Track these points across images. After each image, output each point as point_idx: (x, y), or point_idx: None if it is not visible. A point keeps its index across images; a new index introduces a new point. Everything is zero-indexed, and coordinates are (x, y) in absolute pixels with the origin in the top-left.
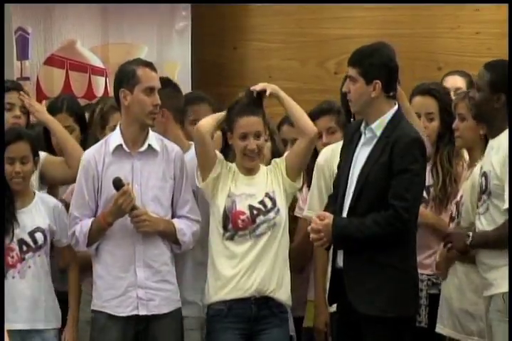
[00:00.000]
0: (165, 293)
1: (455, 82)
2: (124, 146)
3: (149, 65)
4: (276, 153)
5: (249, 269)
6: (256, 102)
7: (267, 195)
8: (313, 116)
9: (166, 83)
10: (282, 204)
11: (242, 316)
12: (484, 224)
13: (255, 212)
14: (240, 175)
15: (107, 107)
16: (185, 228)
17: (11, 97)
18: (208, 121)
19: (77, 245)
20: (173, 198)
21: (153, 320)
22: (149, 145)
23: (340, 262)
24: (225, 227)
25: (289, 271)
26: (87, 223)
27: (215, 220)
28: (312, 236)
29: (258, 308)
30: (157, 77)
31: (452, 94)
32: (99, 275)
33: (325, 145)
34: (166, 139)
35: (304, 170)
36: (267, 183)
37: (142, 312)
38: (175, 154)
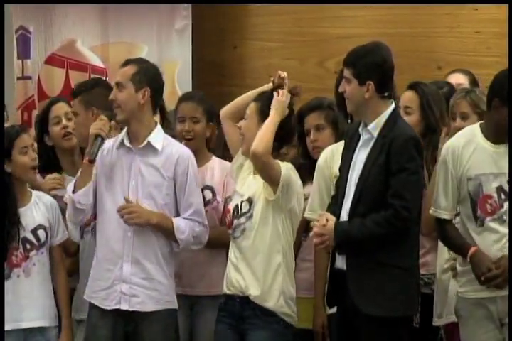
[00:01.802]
0: (152, 291)
1: (457, 79)
2: (125, 141)
3: (127, 62)
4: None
5: (233, 268)
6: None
7: (249, 198)
8: (303, 113)
9: (97, 82)
10: (258, 211)
11: (230, 312)
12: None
13: (235, 213)
14: (252, 174)
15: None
16: (183, 226)
17: None
18: (230, 104)
19: (71, 202)
20: (176, 201)
21: (142, 321)
22: (148, 142)
23: (340, 264)
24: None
25: (281, 278)
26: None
27: None
28: (315, 240)
29: (241, 307)
30: (123, 71)
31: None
32: (93, 266)
33: (313, 142)
34: (176, 142)
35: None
36: (258, 186)
37: (124, 307)
38: (178, 156)
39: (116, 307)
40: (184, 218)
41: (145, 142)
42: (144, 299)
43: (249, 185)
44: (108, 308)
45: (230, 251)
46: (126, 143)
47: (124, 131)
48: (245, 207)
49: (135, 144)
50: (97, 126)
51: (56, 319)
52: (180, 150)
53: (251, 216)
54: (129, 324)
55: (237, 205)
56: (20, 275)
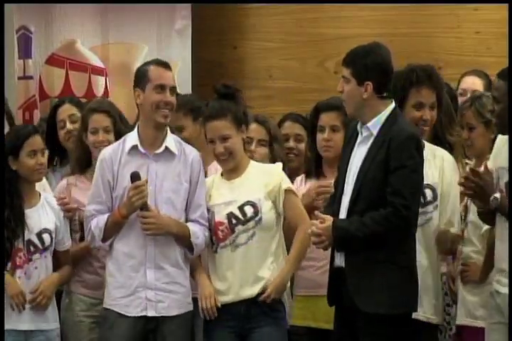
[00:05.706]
0: (175, 295)
1: (473, 84)
2: (140, 147)
3: (162, 64)
4: (274, 161)
5: (231, 277)
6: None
7: (249, 202)
8: (320, 108)
9: None
10: (267, 212)
11: (232, 313)
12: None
13: (234, 221)
14: (222, 181)
15: (85, 110)
16: (198, 231)
17: None
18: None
19: (93, 240)
20: (187, 201)
21: (163, 321)
22: (166, 147)
23: (338, 262)
24: (211, 240)
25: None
26: (103, 218)
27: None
28: (313, 239)
29: (247, 307)
30: (171, 75)
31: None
32: (110, 274)
33: (325, 140)
34: (184, 142)
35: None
36: (253, 189)
37: (150, 313)
38: (192, 158)
39: (142, 314)
40: (193, 221)
41: (162, 147)
42: (169, 303)
43: (229, 188)
44: (131, 315)
45: (213, 262)
46: (141, 149)
47: (135, 136)
48: (250, 211)
49: (150, 149)
50: (140, 195)
51: (56, 321)
52: (193, 152)
53: (260, 219)
54: (150, 323)
55: (231, 213)
56: (21, 276)
